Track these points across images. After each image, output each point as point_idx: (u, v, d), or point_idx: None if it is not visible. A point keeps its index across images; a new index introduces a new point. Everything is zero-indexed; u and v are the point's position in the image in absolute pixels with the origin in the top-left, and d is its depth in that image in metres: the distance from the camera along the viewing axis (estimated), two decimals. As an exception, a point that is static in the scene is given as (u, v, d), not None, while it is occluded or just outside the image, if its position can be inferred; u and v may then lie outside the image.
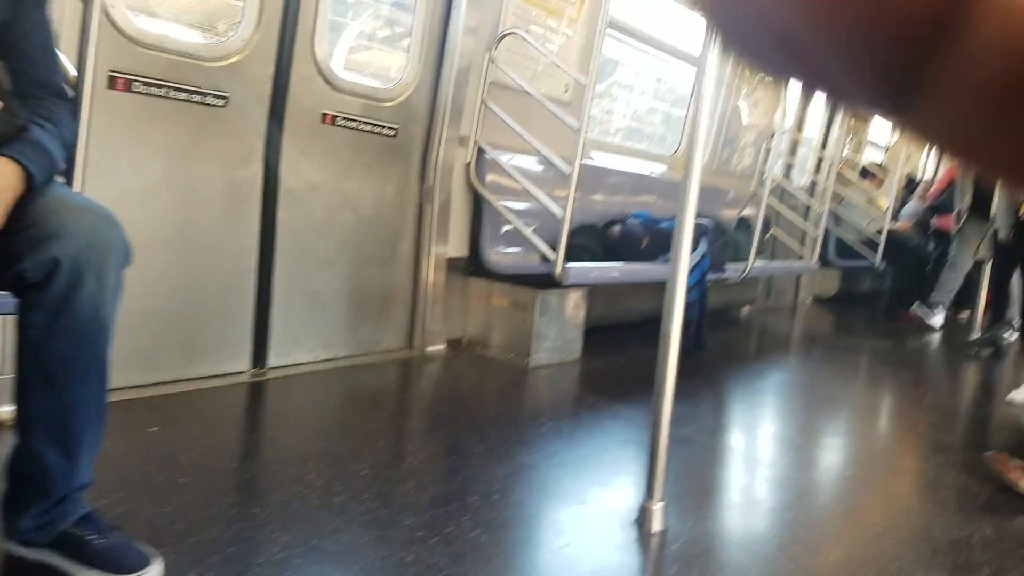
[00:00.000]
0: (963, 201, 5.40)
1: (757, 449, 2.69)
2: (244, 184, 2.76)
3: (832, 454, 2.73)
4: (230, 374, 2.77)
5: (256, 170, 2.79)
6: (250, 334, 2.85)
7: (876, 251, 6.30)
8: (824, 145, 6.73)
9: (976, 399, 4.01)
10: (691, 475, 2.31)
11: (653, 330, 4.50)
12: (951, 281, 5.70)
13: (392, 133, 3.19)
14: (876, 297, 7.32)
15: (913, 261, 6.44)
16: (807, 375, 4.08)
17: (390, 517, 1.78)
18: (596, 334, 3.83)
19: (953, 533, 2.04)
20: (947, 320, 5.81)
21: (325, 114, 2.94)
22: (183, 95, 2.53)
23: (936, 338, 5.57)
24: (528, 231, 3.45)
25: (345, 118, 3.00)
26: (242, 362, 2.83)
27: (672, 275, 1.88)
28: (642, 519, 1.87)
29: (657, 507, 1.86)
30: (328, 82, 2.92)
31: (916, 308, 5.85)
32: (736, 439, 2.72)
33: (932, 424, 3.35)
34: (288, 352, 2.96)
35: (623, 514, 1.92)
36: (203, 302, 2.69)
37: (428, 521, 1.78)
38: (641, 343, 4.13)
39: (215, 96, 2.62)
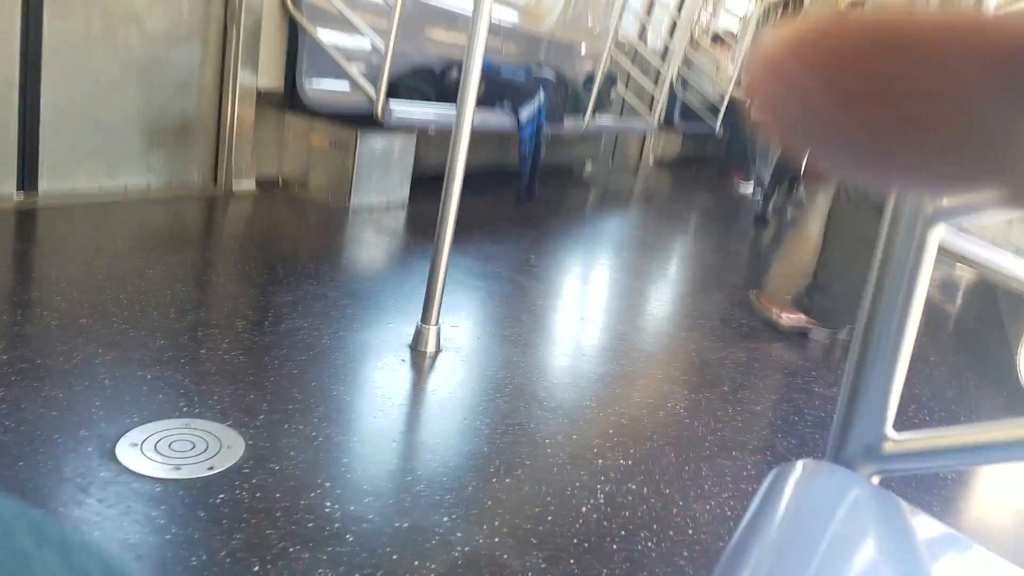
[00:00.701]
0: None
1: (553, 286, 2.75)
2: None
3: (622, 289, 2.84)
4: (-7, 197, 2.48)
5: (13, -33, 2.39)
6: (15, 155, 2.53)
7: (718, 117, 6.46)
8: (680, 8, 6.68)
9: (768, 249, 4.28)
10: (481, 306, 2.33)
11: (491, 180, 4.50)
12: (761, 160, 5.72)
13: (186, -64, 2.81)
14: (716, 161, 7.60)
15: (749, 128, 6.65)
16: (626, 225, 4.20)
17: (139, 339, 1.67)
18: (430, 183, 3.72)
19: (709, 355, 2.19)
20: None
21: (99, -98, 2.53)
22: None
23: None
24: (347, 63, 3.21)
25: (126, -89, 2.60)
26: (7, 185, 2.53)
27: (457, 119, 1.78)
28: (416, 340, 1.86)
29: (431, 330, 1.86)
30: None
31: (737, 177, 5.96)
32: (538, 277, 2.76)
33: (723, 267, 3.56)
34: (64, 178, 2.67)
35: (401, 338, 1.91)
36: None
37: (182, 343, 1.69)
38: (476, 192, 4.08)
39: None
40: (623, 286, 2.88)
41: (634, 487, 1.42)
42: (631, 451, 1.55)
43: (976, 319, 3.40)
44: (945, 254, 2.28)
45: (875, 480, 0.68)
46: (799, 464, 0.63)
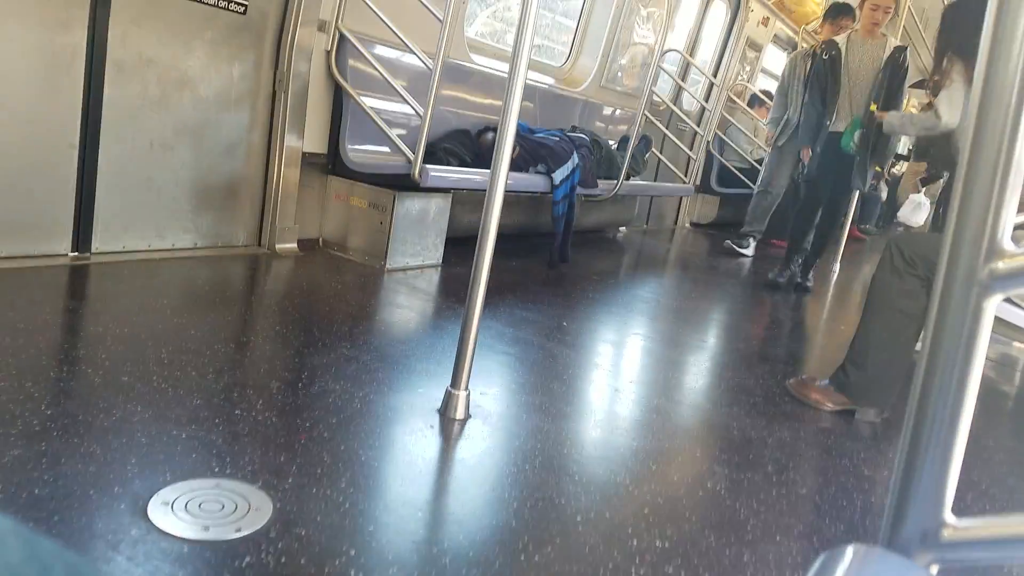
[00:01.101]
0: (792, 110, 5.15)
1: (585, 354, 2.74)
2: (65, 52, 2.51)
3: (657, 359, 2.81)
4: (47, 255, 2.59)
5: (79, 37, 2.54)
6: (71, 215, 2.65)
7: (757, 179, 6.46)
8: (716, 71, 6.78)
9: (806, 323, 4.22)
10: (512, 373, 2.33)
11: (524, 243, 4.55)
12: (757, 209, 5.59)
13: (241, 9, 2.96)
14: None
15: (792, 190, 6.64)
16: (661, 292, 4.18)
17: (177, 398, 1.71)
18: (464, 243, 3.78)
19: (751, 433, 2.15)
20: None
21: (161, -20, 2.69)
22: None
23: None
24: (386, 127, 3.32)
25: (185, -13, 2.76)
26: (62, 244, 2.64)
27: (491, 181, 1.83)
28: (445, 406, 1.87)
29: (461, 396, 1.87)
30: (166, -54, 2.67)
31: (728, 242, 5.67)
32: (569, 344, 2.76)
33: (765, 338, 3.52)
34: (116, 238, 2.78)
35: (431, 403, 1.92)
36: (16, 176, 2.48)
37: (217, 403, 1.72)
38: (508, 254, 4.15)
39: (30, -48, 2.35)
40: (658, 356, 2.86)
41: (671, 571, 1.38)
42: (668, 532, 1.51)
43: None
44: (1001, 329, 2.22)
45: (933, 570, 0.65)
46: (849, 549, 0.60)
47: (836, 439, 2.25)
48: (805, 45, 6.37)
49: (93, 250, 2.71)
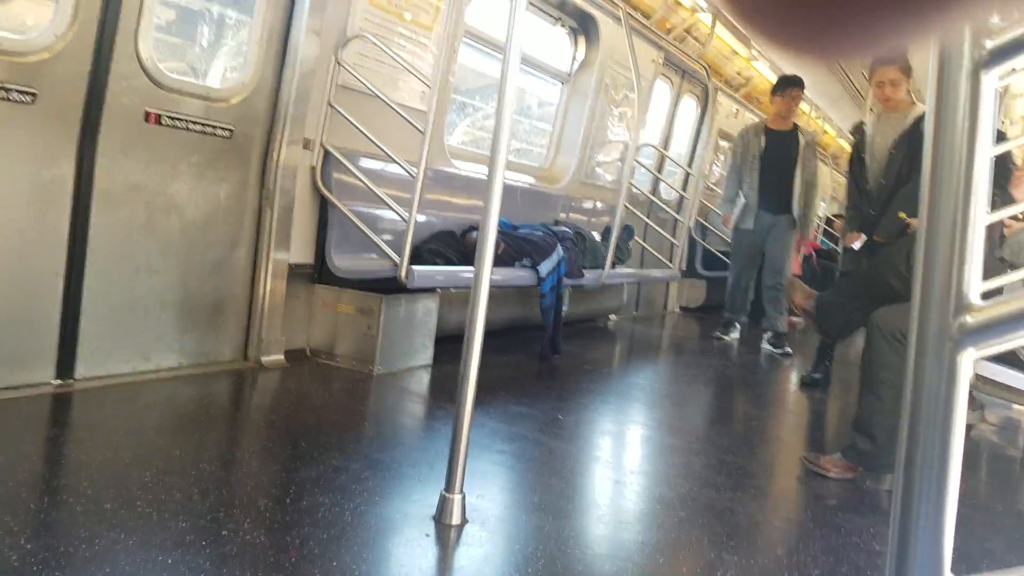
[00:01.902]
0: (747, 186, 5.19)
1: (583, 447, 2.69)
2: (52, 184, 2.56)
3: (656, 447, 2.75)
4: (31, 385, 2.55)
5: (66, 170, 2.60)
6: (55, 342, 2.63)
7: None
8: (691, 162, 6.99)
9: (803, 402, 4.15)
10: (508, 472, 2.27)
11: (514, 337, 4.54)
12: (735, 293, 5.51)
13: (227, 134, 3.05)
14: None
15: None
16: (656, 378, 4.15)
17: (162, 523, 1.64)
18: (453, 342, 3.77)
19: (758, 517, 2.08)
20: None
21: (149, 112, 2.78)
22: (-20, 90, 2.35)
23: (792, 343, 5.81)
24: (372, 233, 3.37)
25: (172, 117, 2.85)
26: (46, 373, 2.61)
27: (475, 279, 1.84)
28: (440, 512, 1.81)
29: (456, 499, 1.80)
30: (153, 80, 2.77)
31: (716, 334, 5.58)
32: (566, 437, 2.70)
33: (763, 419, 3.46)
34: (100, 362, 2.75)
35: (425, 510, 1.85)
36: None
37: (204, 525, 1.66)
38: (497, 350, 4.13)
39: (21, 92, 2.44)
40: (658, 444, 2.80)
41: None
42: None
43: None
44: (998, 391, 2.19)
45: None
46: None
47: (844, 515, 2.18)
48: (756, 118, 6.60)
49: (76, 376, 2.67)
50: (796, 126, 5.24)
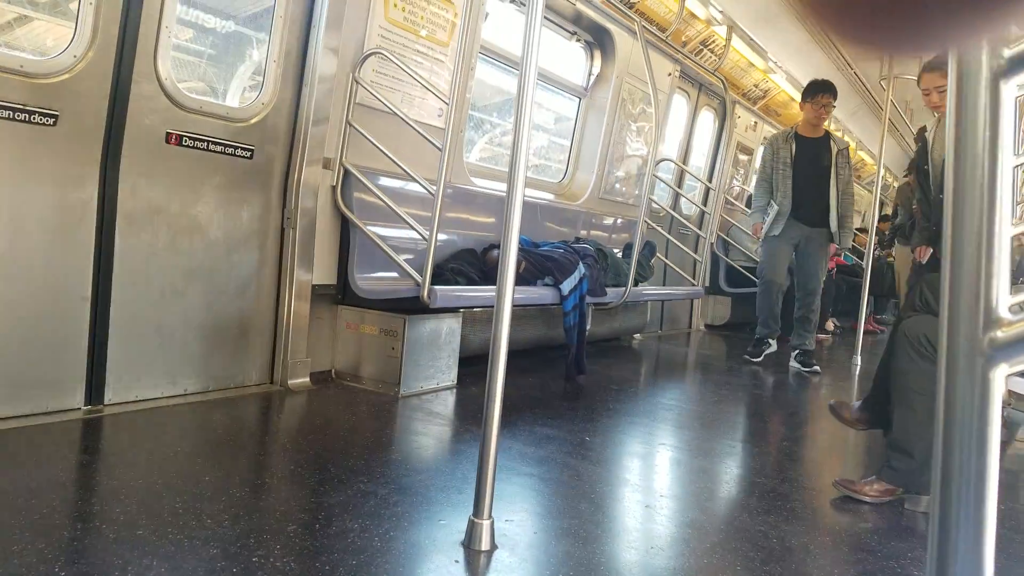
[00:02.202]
0: (779, 195, 4.98)
1: (611, 469, 2.65)
2: (76, 207, 2.60)
3: (686, 470, 2.71)
4: (61, 411, 2.57)
5: (90, 192, 2.63)
6: (84, 368, 2.65)
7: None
8: (711, 176, 6.95)
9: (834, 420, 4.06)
10: (536, 495, 2.24)
11: (538, 357, 4.51)
12: (764, 307, 5.26)
13: (247, 155, 3.08)
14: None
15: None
16: (683, 398, 4.10)
17: (193, 549, 1.64)
18: (477, 362, 3.76)
19: (791, 541, 2.03)
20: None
21: (170, 134, 2.81)
22: (5, 112, 2.38)
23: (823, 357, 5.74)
24: (394, 253, 3.37)
25: (192, 138, 2.88)
26: (75, 398, 2.63)
27: (497, 298, 1.82)
28: (469, 538, 1.78)
29: (485, 524, 1.78)
30: (173, 101, 2.80)
31: (747, 355, 5.32)
32: (594, 460, 2.67)
33: (793, 439, 3.40)
34: (129, 388, 2.76)
35: (454, 535, 1.83)
36: (28, 333, 2.50)
37: (234, 552, 1.64)
38: (522, 370, 4.11)
39: (42, 114, 2.47)
40: (687, 466, 2.76)
41: None
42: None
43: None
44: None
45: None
46: None
47: (879, 539, 2.13)
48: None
49: (106, 401, 2.69)
50: (828, 133, 5.07)
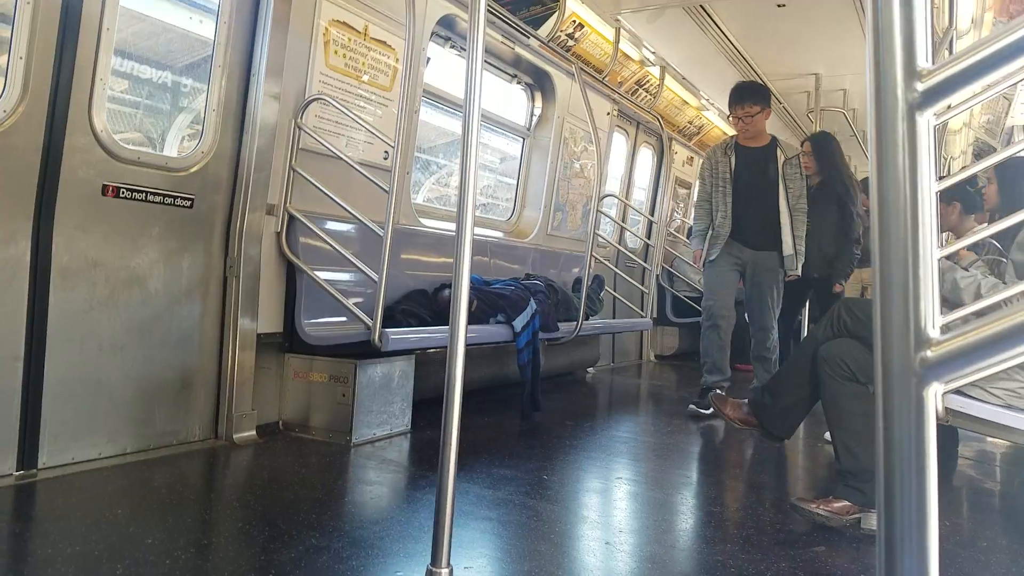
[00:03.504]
0: (720, 215, 4.32)
1: (570, 507, 2.63)
2: (7, 264, 2.49)
3: (644, 503, 2.70)
4: (-11, 479, 2.43)
5: (23, 249, 2.54)
6: (16, 431, 2.52)
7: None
8: (652, 210, 7.10)
9: (786, 444, 4.13)
10: (495, 540, 2.20)
11: (493, 396, 4.48)
12: (710, 348, 4.44)
13: (187, 204, 3.02)
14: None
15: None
16: (638, 430, 4.11)
17: (134, 622, 1.55)
18: (431, 405, 3.71)
19: (748, 569, 2.04)
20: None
21: (106, 186, 2.74)
22: (-74, 169, 2.29)
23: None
24: (342, 297, 3.32)
25: (130, 189, 2.81)
26: (6, 464, 2.49)
27: (451, 338, 1.81)
28: (427, 590, 1.74)
29: (443, 573, 1.73)
30: (109, 152, 2.73)
31: (692, 407, 4.38)
32: (552, 498, 2.64)
33: (748, 467, 3.44)
34: (64, 449, 2.64)
35: (412, 587, 1.78)
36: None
37: (179, 621, 1.57)
38: (478, 410, 4.07)
39: (-32, 171, 2.39)
40: (645, 499, 2.76)
41: None
42: None
43: (1022, 492, 3.23)
44: (971, 424, 2.20)
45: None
46: None
47: (834, 562, 2.15)
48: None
49: (40, 465, 2.56)
50: (775, 140, 4.38)
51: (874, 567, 1.93)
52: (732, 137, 4.48)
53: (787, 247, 4.26)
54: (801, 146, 4.76)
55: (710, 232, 4.39)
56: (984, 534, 2.50)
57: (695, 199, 4.68)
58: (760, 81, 5.64)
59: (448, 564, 1.74)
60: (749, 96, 4.27)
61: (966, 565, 2.17)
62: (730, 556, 2.14)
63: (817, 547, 2.27)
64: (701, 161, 5.15)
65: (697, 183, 4.82)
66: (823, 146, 4.59)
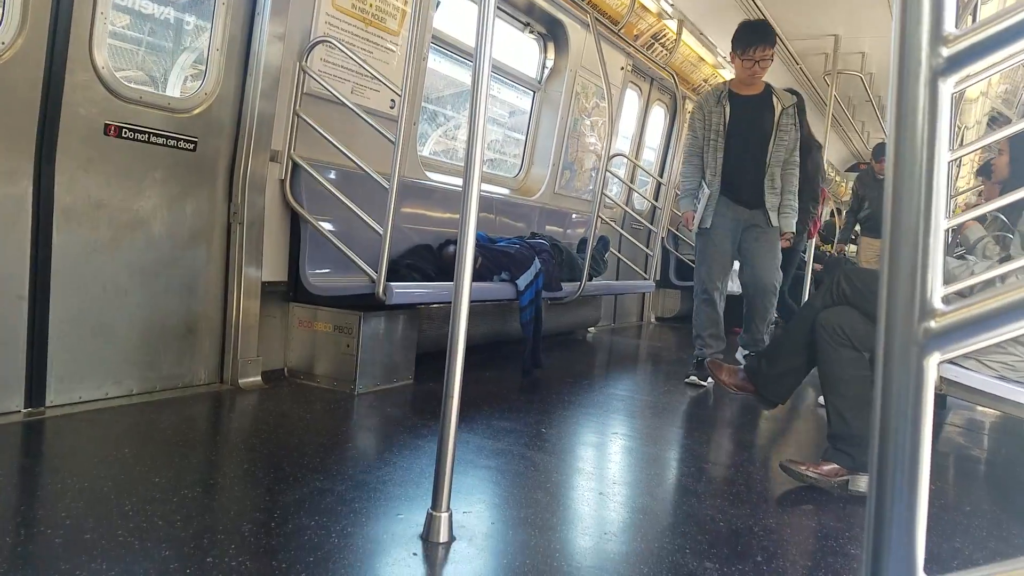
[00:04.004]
0: (709, 173, 4.06)
1: (566, 459, 2.68)
2: (9, 203, 2.48)
3: (638, 458, 2.75)
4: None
5: (24, 188, 2.53)
6: (23, 369, 2.56)
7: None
8: (661, 172, 7.05)
9: (781, 410, 4.13)
10: (494, 487, 2.25)
11: (495, 352, 4.52)
12: (702, 320, 4.22)
13: (191, 147, 3.00)
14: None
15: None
16: (635, 389, 4.16)
17: (144, 551, 1.60)
18: (434, 358, 3.74)
19: (737, 524, 2.09)
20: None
21: (108, 125, 2.72)
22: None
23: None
24: (347, 249, 3.33)
25: (132, 130, 2.79)
26: (14, 401, 2.54)
27: (455, 293, 1.83)
28: (427, 531, 1.79)
29: (443, 517, 1.79)
30: (111, 90, 2.71)
31: (688, 379, 4.21)
32: (550, 450, 2.69)
33: (740, 426, 3.48)
34: (71, 389, 2.68)
35: (412, 529, 1.83)
36: (-38, 335, 2.40)
37: (187, 553, 1.61)
38: (479, 365, 4.12)
39: (-35, 105, 2.37)
40: (639, 454, 2.81)
41: None
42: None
43: (1007, 462, 3.28)
44: (962, 392, 2.24)
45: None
46: None
47: (820, 520, 2.20)
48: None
49: (47, 403, 2.61)
50: (770, 88, 4.06)
51: (859, 526, 1.98)
52: (725, 84, 4.16)
53: (769, 201, 3.99)
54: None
55: (702, 192, 4.07)
56: (968, 499, 2.55)
57: (684, 153, 4.23)
58: (779, 40, 5.52)
59: (448, 508, 1.80)
60: (767, 37, 3.93)
61: (949, 528, 2.22)
62: (719, 511, 2.19)
63: (805, 506, 2.33)
64: (691, 110, 4.53)
65: (687, 135, 4.26)
66: (802, 100, 4.33)
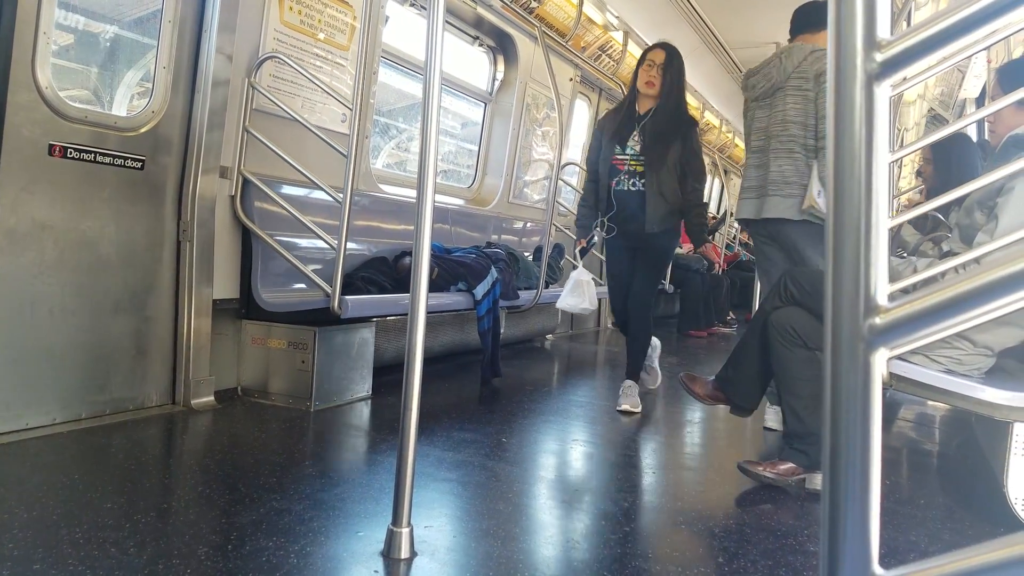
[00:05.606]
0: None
1: (528, 468, 2.68)
2: (-50, 227, 2.42)
3: (598, 463, 2.78)
4: (-62, 446, 2.38)
5: (-35, 210, 2.46)
6: (-36, 398, 2.47)
7: (666, 276, 6.72)
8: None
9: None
10: (455, 500, 2.24)
11: (453, 363, 4.51)
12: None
13: (138, 165, 2.94)
14: (669, 318, 7.81)
15: (699, 282, 6.93)
16: (594, 394, 4.19)
17: (94, 583, 1.56)
18: (392, 372, 3.73)
19: (698, 525, 2.12)
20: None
21: (53, 145, 2.66)
22: None
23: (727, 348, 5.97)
24: (300, 263, 3.30)
25: (78, 149, 2.73)
26: (-45, 430, 2.44)
27: (411, 305, 1.82)
28: (388, 547, 1.77)
29: (404, 532, 1.77)
30: (55, 110, 2.65)
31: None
32: (511, 460, 2.70)
33: (698, 427, 3.54)
34: (18, 416, 2.59)
35: (373, 546, 1.81)
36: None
37: (140, 582, 1.57)
38: (439, 376, 4.10)
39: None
40: (600, 460, 2.83)
41: None
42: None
43: (958, 453, 3.39)
44: (912, 388, 2.30)
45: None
46: None
47: (779, 519, 2.25)
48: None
49: (-9, 431, 2.52)
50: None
51: (817, 523, 2.03)
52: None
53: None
54: None
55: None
56: (922, 492, 2.63)
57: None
58: (722, 49, 5.67)
59: (408, 523, 1.78)
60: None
61: (904, 522, 2.28)
62: (680, 513, 2.22)
63: (764, 506, 2.37)
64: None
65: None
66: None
